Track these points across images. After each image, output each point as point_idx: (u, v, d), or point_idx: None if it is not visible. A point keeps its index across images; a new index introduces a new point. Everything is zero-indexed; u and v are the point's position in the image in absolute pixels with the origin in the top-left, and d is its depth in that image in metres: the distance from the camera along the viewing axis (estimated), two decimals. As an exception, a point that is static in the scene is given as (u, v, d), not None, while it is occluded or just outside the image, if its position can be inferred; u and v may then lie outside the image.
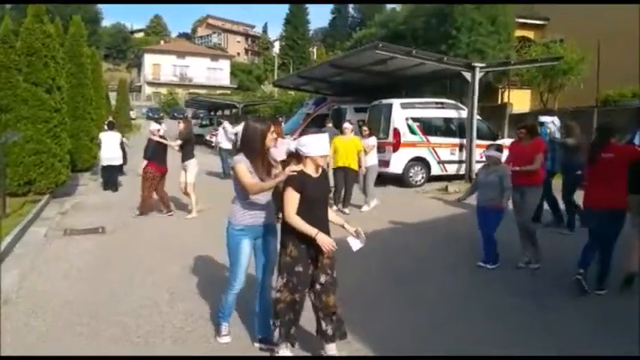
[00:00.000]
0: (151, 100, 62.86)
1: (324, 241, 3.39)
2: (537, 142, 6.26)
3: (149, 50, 68.68)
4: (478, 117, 13.16)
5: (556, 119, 8.45)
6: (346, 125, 9.65)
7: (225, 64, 72.05)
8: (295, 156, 3.57)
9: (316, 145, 3.50)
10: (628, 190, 5.14)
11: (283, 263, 3.53)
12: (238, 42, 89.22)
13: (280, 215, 3.63)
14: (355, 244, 3.54)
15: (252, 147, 3.67)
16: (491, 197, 5.94)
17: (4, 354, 3.64)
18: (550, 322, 4.49)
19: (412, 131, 12.58)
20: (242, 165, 3.62)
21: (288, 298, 3.51)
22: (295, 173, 3.43)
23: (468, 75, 12.87)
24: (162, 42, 77.16)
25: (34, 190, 10.13)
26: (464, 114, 13.17)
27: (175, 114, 54.10)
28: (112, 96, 36.42)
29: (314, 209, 3.48)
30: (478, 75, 12.79)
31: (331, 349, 3.62)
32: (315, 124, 16.51)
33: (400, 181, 12.69)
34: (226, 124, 15.98)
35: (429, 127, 12.88)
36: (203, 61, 69.81)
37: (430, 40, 18.73)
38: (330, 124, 14.09)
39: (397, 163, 12.47)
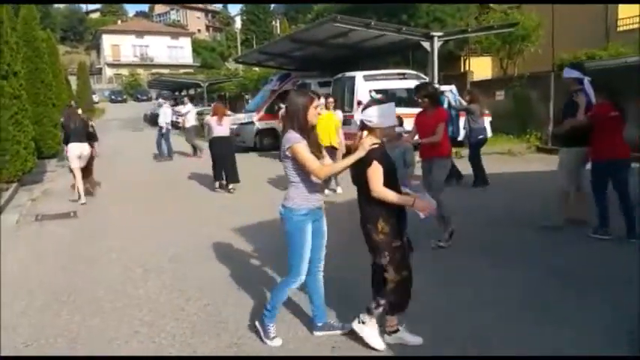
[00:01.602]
0: (112, 83, 61.46)
1: (425, 206, 3.32)
2: (439, 112, 5.79)
3: (107, 31, 66.84)
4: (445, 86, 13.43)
5: (454, 88, 9.01)
6: (322, 100, 9.16)
7: (186, 42, 70.67)
8: (363, 128, 3.41)
9: (386, 116, 3.38)
10: (564, 144, 5.94)
11: (379, 242, 3.33)
12: (198, 18, 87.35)
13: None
14: (423, 214, 3.37)
15: (298, 123, 3.37)
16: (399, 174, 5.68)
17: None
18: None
19: (377, 102, 12.72)
20: (302, 145, 3.29)
21: (398, 278, 3.33)
22: (377, 146, 3.30)
23: (427, 45, 13.07)
24: (119, 22, 75.05)
25: (1, 179, 10.03)
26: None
27: (139, 96, 53.11)
28: (73, 80, 35.50)
29: (392, 180, 3.35)
30: (437, 44, 13.00)
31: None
32: (281, 100, 16.60)
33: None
34: (165, 105, 15.95)
35: (392, 99, 13.05)
36: (163, 40, 68.33)
37: (391, 10, 18.85)
38: None
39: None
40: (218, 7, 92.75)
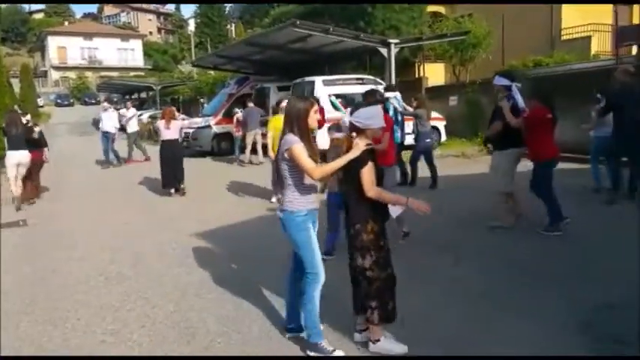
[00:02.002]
0: (59, 86, 59.27)
1: (420, 205, 3.37)
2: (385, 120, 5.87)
3: (53, 32, 64.35)
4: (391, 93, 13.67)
5: (398, 94, 9.30)
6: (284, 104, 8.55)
7: (137, 44, 69.00)
8: (353, 130, 3.45)
9: (375, 117, 3.41)
10: (495, 147, 6.32)
11: (366, 241, 3.36)
12: (150, 20, 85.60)
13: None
14: (395, 211, 3.48)
15: (298, 127, 3.38)
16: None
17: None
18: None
19: (335, 107, 12.85)
20: (300, 145, 3.30)
21: (383, 275, 3.38)
22: (371, 146, 3.36)
23: (384, 51, 13.33)
24: (66, 23, 72.47)
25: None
26: (380, 88, 13.67)
27: (87, 99, 51.47)
28: (15, 83, 33.99)
29: (379, 180, 3.42)
30: (394, 51, 13.27)
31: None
32: (238, 104, 16.51)
33: (326, 157, 12.99)
34: (110, 110, 15.29)
35: (350, 103, 13.23)
36: (113, 42, 66.47)
37: (348, 17, 19.04)
38: (252, 104, 14.21)
39: (323, 140, 12.71)
40: (170, 9, 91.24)
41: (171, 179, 9.71)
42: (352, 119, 3.43)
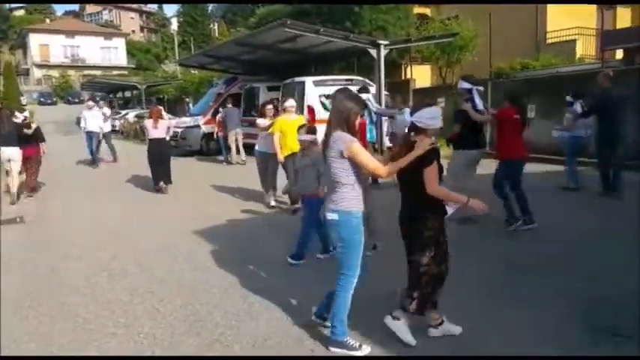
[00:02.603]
0: (41, 84, 58.39)
1: (478, 204, 3.39)
2: None
3: (34, 30, 63.37)
4: (386, 92, 13.88)
5: (370, 96, 9.69)
6: (291, 103, 7.93)
7: (120, 43, 68.32)
8: (413, 130, 3.48)
9: (435, 118, 3.43)
10: (454, 147, 6.65)
11: (427, 237, 3.43)
12: (132, 19, 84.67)
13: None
14: (451, 208, 3.52)
15: (348, 126, 3.34)
16: (307, 185, 5.37)
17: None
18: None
19: (325, 108, 12.99)
20: (358, 143, 3.29)
21: (435, 270, 3.46)
22: (436, 146, 3.40)
23: (373, 52, 13.47)
24: (47, 20, 71.40)
25: None
26: (372, 90, 13.81)
27: (70, 98, 50.85)
28: (-3, 80, 33.48)
29: (440, 179, 3.47)
30: (383, 52, 13.43)
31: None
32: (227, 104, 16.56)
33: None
34: (95, 108, 14.62)
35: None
36: (95, 41, 65.73)
37: (335, 17, 19.20)
38: (230, 105, 14.39)
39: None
40: (153, 7, 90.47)
41: (161, 177, 9.89)
42: (414, 119, 3.44)
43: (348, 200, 3.35)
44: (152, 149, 9.86)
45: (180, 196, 9.64)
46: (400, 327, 3.52)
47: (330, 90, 13.04)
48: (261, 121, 8.21)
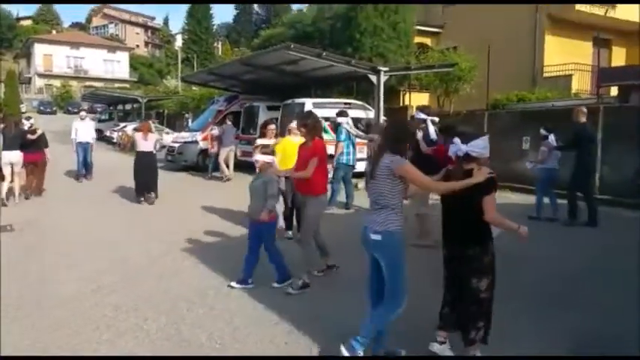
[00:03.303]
0: (42, 93, 58.60)
1: (526, 232, 3.44)
2: (315, 145, 5.30)
3: (40, 40, 63.83)
4: (384, 117, 14.01)
5: (349, 119, 9.93)
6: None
7: (123, 57, 68.88)
8: (466, 158, 3.54)
9: (487, 147, 3.54)
10: None
11: (486, 263, 3.52)
12: (137, 34, 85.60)
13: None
14: (495, 232, 3.59)
15: (404, 146, 3.55)
16: (257, 207, 5.15)
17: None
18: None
19: (324, 130, 13.10)
20: (410, 163, 3.44)
21: (491, 296, 3.56)
22: (494, 175, 3.46)
23: (373, 78, 13.62)
24: (53, 32, 72.02)
25: None
26: (370, 114, 13.97)
27: (70, 108, 51.04)
28: (-1, 87, 33.62)
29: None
30: (383, 78, 13.59)
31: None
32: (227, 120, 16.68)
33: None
34: (88, 119, 14.58)
35: (338, 127, 13.46)
36: (99, 53, 66.23)
37: (336, 42, 19.47)
38: (229, 122, 14.57)
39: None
40: (159, 23, 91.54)
41: (143, 188, 10.31)
42: (469, 149, 3.51)
43: (392, 222, 3.42)
44: (139, 161, 10.36)
45: (169, 210, 9.71)
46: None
47: (329, 112, 13.22)
48: (261, 141, 8.08)
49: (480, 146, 3.52)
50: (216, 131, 14.69)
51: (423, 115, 7.05)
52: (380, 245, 3.43)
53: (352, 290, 4.77)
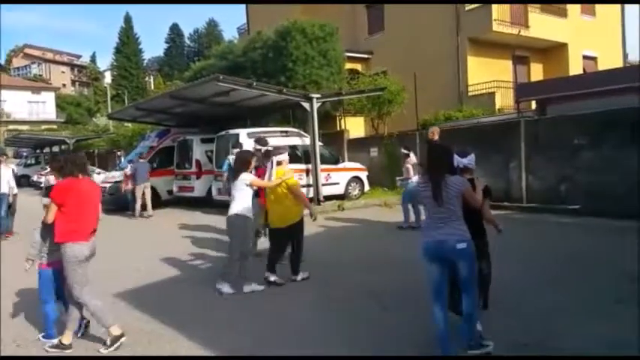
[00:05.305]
0: (-40, 139, 55.09)
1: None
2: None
3: (-46, 84, 60.31)
4: (320, 143, 14.11)
5: (269, 147, 10.38)
6: (285, 157, 6.84)
7: (49, 97, 66.01)
8: (462, 169, 4.42)
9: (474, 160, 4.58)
10: None
11: (487, 248, 4.59)
12: (63, 72, 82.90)
13: None
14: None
15: (451, 171, 4.15)
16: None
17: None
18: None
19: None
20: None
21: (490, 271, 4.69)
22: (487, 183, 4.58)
23: (306, 105, 13.76)
24: (-30, 75, 68.31)
25: None
26: (307, 141, 14.04)
27: (-8, 153, 48.24)
28: None
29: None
30: (316, 105, 13.74)
31: None
32: (161, 156, 16.33)
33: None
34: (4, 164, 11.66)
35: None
36: (23, 95, 63.17)
37: (269, 71, 19.54)
38: (142, 160, 14.74)
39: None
40: (85, 61, 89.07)
41: None
42: (466, 162, 4.48)
43: (466, 231, 4.02)
44: None
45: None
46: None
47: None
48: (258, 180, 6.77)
49: (473, 160, 4.55)
50: (128, 169, 14.50)
51: None
52: (465, 252, 3.96)
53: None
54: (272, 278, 6.45)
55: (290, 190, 6.46)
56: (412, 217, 10.00)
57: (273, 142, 13.27)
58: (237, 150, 7.51)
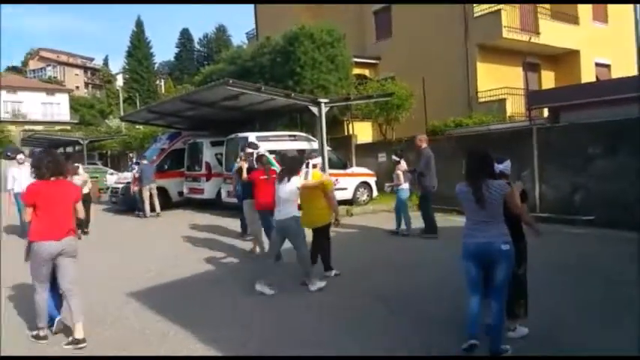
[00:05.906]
0: (-20, 140, 55.85)
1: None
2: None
3: (-27, 86, 61.21)
4: (328, 147, 14.20)
5: (262, 150, 10.79)
6: (318, 161, 7.23)
7: (63, 99, 66.86)
8: (499, 175, 4.48)
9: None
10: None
11: (525, 252, 4.52)
12: (77, 75, 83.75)
13: None
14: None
15: (493, 176, 4.29)
16: None
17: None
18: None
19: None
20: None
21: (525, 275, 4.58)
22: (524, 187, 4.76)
23: (315, 109, 13.84)
24: (-11, 77, 69.29)
25: None
26: (315, 145, 14.13)
27: (9, 153, 48.95)
28: None
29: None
30: (324, 109, 13.83)
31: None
32: (172, 159, 16.53)
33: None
34: (26, 163, 11.64)
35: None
36: (38, 96, 64.06)
37: (277, 76, 19.65)
38: (145, 161, 14.94)
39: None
40: (98, 64, 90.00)
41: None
42: (502, 168, 4.57)
43: (508, 233, 4.16)
44: None
45: (105, 253, 9.43)
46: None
47: (274, 145, 13.31)
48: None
49: (509, 166, 4.66)
50: (135, 171, 14.92)
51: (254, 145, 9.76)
52: (509, 254, 4.10)
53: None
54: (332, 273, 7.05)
55: (325, 190, 6.82)
56: (403, 225, 10.11)
57: (282, 146, 13.58)
58: (286, 155, 7.61)
